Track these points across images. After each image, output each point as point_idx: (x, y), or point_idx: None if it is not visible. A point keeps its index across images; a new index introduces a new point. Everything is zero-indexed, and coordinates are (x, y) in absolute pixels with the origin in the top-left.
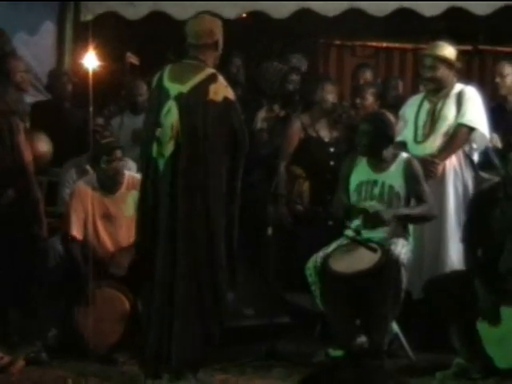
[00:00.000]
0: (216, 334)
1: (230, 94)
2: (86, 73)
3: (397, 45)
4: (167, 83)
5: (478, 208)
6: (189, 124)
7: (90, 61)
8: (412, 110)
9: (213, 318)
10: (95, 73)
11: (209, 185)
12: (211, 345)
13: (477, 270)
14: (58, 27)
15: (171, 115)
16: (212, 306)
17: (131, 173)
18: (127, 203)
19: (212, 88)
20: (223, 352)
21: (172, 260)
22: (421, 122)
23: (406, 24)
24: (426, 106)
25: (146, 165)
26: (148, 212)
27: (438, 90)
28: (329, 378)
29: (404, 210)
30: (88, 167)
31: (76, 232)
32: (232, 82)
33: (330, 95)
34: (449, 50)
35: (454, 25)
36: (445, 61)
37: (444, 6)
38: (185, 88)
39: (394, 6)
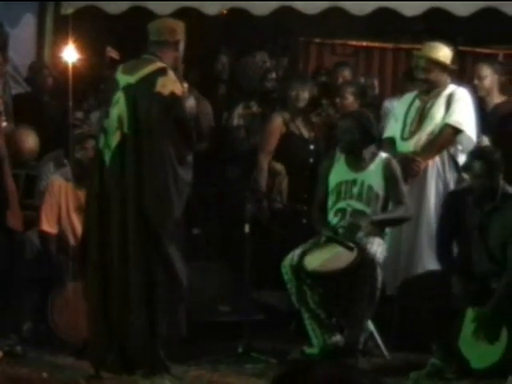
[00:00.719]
0: (172, 326)
1: (178, 89)
2: (66, 66)
3: (377, 44)
4: (119, 75)
5: (449, 208)
6: (135, 115)
7: (70, 54)
8: (403, 107)
9: (168, 312)
10: (75, 66)
11: (154, 177)
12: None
13: (453, 269)
14: (39, 20)
15: (119, 106)
16: (167, 300)
17: None
18: None
19: (160, 81)
20: (198, 348)
21: (125, 253)
22: (409, 120)
23: (386, 24)
24: (417, 103)
25: (95, 156)
26: (93, 202)
27: (430, 90)
28: (303, 375)
29: (381, 216)
30: (66, 161)
31: (48, 227)
32: (216, 79)
33: (302, 95)
34: (443, 52)
35: (434, 25)
36: (439, 63)
37: (424, 6)
38: (133, 79)
39: (374, 5)
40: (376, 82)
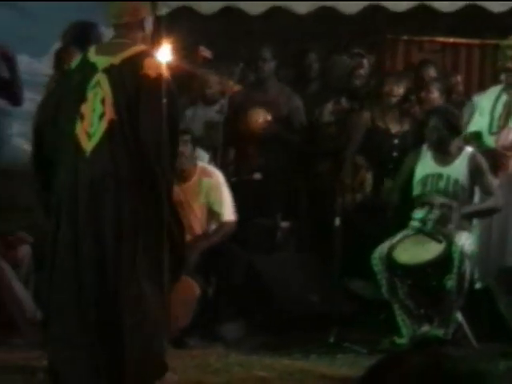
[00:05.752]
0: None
1: (164, 71)
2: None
3: (463, 40)
4: (93, 58)
5: None
6: (121, 98)
7: (165, 54)
8: (489, 100)
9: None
10: (169, 66)
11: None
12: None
13: None
14: None
15: (101, 89)
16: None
17: (203, 163)
18: (199, 191)
19: (146, 62)
20: (289, 338)
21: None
22: (497, 114)
23: (473, 20)
24: (504, 97)
25: (59, 143)
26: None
27: None
28: (397, 365)
29: (471, 207)
30: None
31: None
32: (306, 76)
33: (396, 90)
34: None
35: None
36: None
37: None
38: (116, 60)
39: (462, 2)
40: (459, 79)
